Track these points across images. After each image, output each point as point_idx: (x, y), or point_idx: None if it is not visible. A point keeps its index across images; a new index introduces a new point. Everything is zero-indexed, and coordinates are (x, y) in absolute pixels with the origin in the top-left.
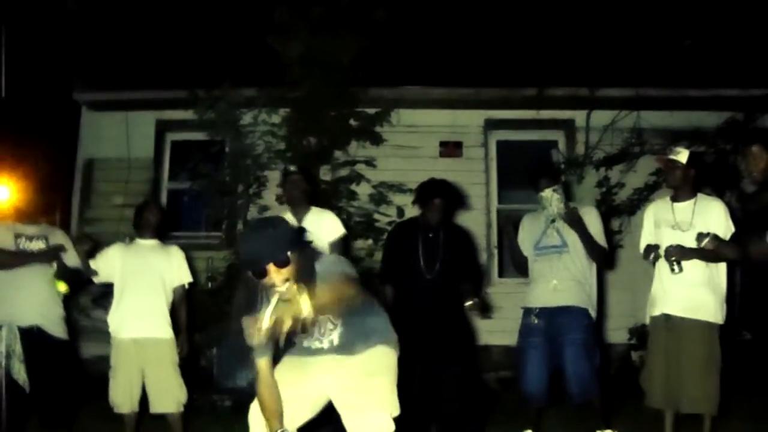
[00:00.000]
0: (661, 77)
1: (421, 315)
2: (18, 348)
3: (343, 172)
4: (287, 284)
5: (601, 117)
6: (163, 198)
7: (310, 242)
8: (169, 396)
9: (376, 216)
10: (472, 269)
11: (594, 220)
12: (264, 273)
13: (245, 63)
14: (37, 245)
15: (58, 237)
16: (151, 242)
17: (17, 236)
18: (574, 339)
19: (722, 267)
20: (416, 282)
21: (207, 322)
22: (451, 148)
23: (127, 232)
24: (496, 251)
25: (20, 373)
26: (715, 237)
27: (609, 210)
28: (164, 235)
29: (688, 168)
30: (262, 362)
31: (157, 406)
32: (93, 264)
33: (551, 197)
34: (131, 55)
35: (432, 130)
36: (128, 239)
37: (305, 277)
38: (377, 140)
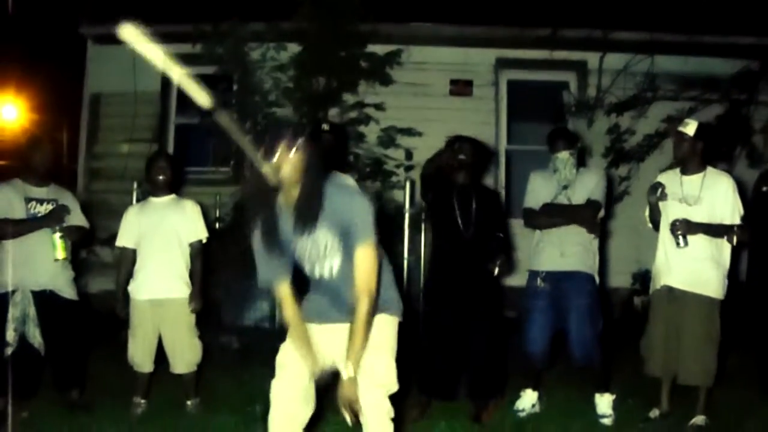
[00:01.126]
0: (676, 22)
1: (458, 273)
2: (32, 312)
3: (352, 114)
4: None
5: (615, 60)
6: (171, 133)
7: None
8: (184, 358)
9: (385, 158)
10: (502, 232)
11: (598, 184)
12: (273, 151)
13: None
14: (47, 209)
15: (67, 199)
16: (165, 199)
17: (28, 200)
18: (579, 304)
19: (726, 244)
20: (454, 241)
21: (215, 265)
22: (461, 87)
23: (134, 168)
24: (503, 191)
25: (35, 337)
26: (740, 228)
27: (618, 155)
28: (178, 186)
29: (695, 140)
30: (283, 288)
31: (173, 367)
32: (118, 239)
33: (567, 160)
34: None
35: (442, 68)
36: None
37: (313, 175)
38: (387, 81)
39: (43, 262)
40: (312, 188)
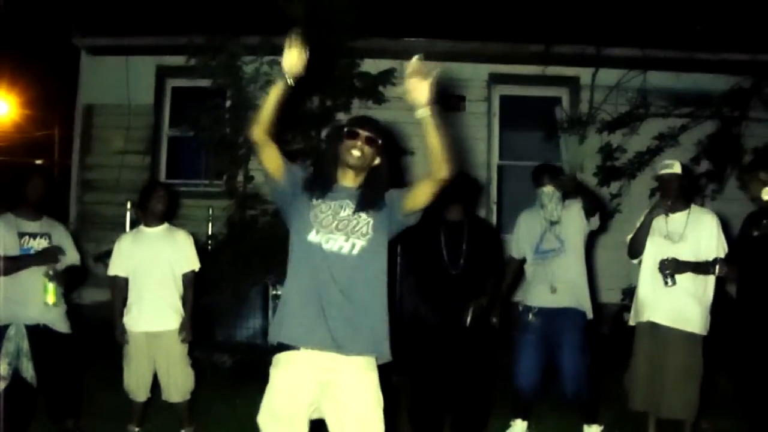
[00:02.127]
0: (668, 39)
1: (444, 311)
2: (25, 346)
3: None
4: (358, 160)
5: (607, 76)
6: (164, 145)
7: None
8: (177, 387)
9: None
10: (497, 265)
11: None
12: (356, 134)
13: (248, 11)
14: (41, 243)
15: (60, 233)
16: (158, 230)
17: (21, 235)
18: (571, 340)
19: (711, 279)
20: (440, 276)
21: (207, 283)
22: (454, 102)
23: (127, 180)
24: (495, 207)
25: (28, 370)
26: (722, 261)
27: (609, 173)
28: (172, 215)
29: (681, 179)
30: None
31: (166, 395)
32: (110, 268)
33: (552, 194)
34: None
35: (435, 83)
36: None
37: (374, 175)
38: (380, 100)
39: (36, 297)
40: (384, 175)
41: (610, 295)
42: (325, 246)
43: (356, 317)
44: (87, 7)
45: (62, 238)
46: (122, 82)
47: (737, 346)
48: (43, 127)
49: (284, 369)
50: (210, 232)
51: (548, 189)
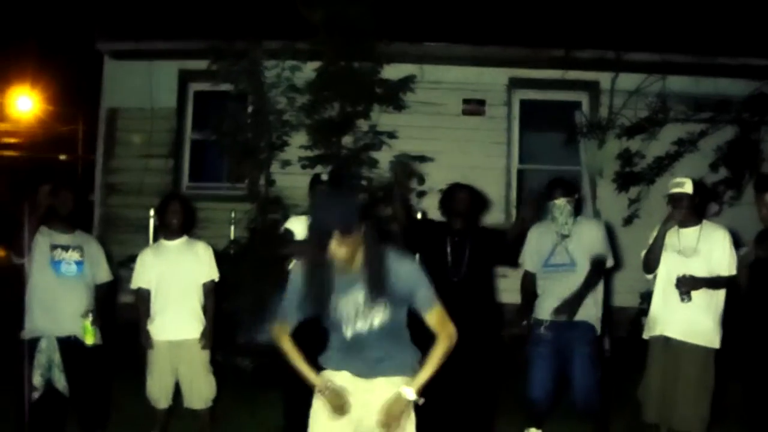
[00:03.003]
0: (688, 43)
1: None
2: (57, 357)
3: (366, 139)
4: (346, 256)
5: (627, 81)
6: (187, 148)
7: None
8: (199, 395)
9: None
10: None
11: (598, 235)
12: (327, 243)
13: (270, 16)
14: (73, 256)
15: (92, 247)
16: (178, 242)
17: (53, 247)
18: (583, 353)
19: (721, 293)
20: (442, 283)
21: (229, 291)
22: (474, 106)
23: (150, 183)
24: (515, 211)
25: (60, 381)
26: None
27: (628, 179)
28: (191, 227)
29: (694, 197)
30: (284, 329)
31: (187, 403)
32: (134, 281)
33: (564, 208)
34: (154, 4)
35: (455, 88)
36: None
37: (371, 257)
38: (400, 107)
39: (66, 310)
40: (378, 261)
41: (628, 299)
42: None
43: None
44: (110, 11)
45: (95, 252)
46: (145, 86)
47: (745, 357)
48: (67, 123)
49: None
50: (232, 236)
51: (560, 202)
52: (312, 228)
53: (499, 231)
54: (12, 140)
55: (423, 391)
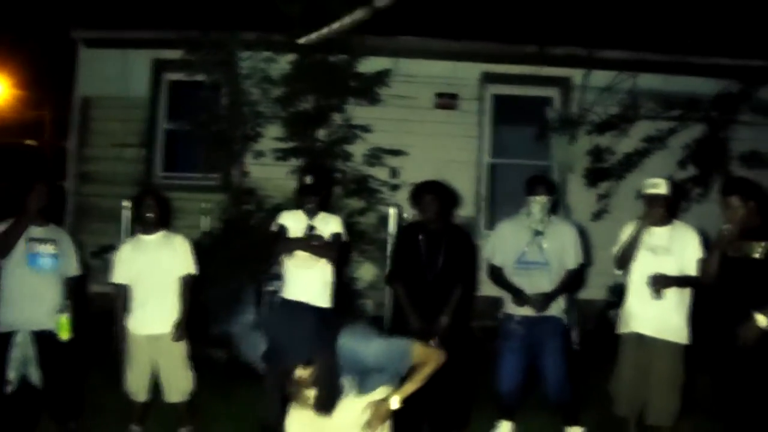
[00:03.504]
0: (660, 42)
1: (421, 315)
2: (32, 351)
3: (340, 132)
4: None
5: (599, 78)
6: (160, 138)
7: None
8: (177, 389)
9: (371, 178)
10: (467, 275)
11: (573, 239)
12: (289, 376)
13: (245, 7)
14: (48, 249)
15: (65, 241)
16: (156, 237)
17: (29, 239)
18: (554, 347)
19: (688, 290)
20: (417, 283)
21: (202, 282)
22: (447, 100)
23: (124, 172)
24: (484, 204)
25: (34, 375)
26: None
27: (598, 174)
28: (167, 221)
29: (668, 198)
30: None
31: (166, 396)
32: (114, 277)
33: (543, 206)
34: None
35: (429, 81)
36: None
37: (328, 380)
38: (375, 100)
39: (41, 304)
40: (329, 393)
41: (596, 293)
42: None
43: None
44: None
45: (67, 246)
46: (120, 75)
47: (715, 352)
48: (34, 108)
49: None
50: (205, 226)
51: (541, 199)
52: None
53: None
54: None
55: None
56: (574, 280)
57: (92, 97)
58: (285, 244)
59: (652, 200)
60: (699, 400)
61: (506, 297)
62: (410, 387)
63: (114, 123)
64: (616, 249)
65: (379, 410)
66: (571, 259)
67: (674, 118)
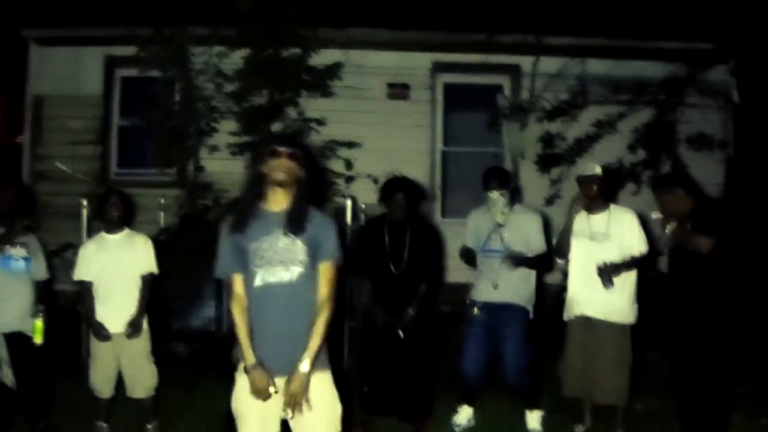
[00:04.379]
0: (607, 27)
1: (388, 306)
2: (4, 352)
3: (294, 126)
4: (285, 175)
5: (548, 64)
6: (114, 135)
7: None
8: (142, 384)
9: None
10: (433, 269)
11: (535, 227)
12: (278, 153)
13: (196, 2)
14: (20, 252)
15: (34, 244)
16: (119, 236)
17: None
18: (513, 333)
19: (633, 273)
20: (383, 277)
21: (162, 277)
22: (398, 90)
23: (78, 170)
24: (439, 192)
25: (8, 376)
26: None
27: (549, 160)
28: (129, 220)
29: (602, 180)
30: (238, 282)
31: (130, 392)
32: (77, 273)
33: (498, 200)
34: None
35: (380, 72)
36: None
37: (306, 186)
38: (328, 94)
39: (13, 306)
40: (305, 196)
41: (551, 277)
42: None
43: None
44: None
45: (35, 249)
46: (72, 73)
47: (667, 332)
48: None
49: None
50: (162, 222)
51: (494, 195)
52: (263, 141)
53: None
54: None
55: (366, 376)
56: (539, 265)
57: (45, 95)
58: None
59: (583, 182)
60: (651, 379)
61: (473, 282)
62: (314, 345)
63: (67, 120)
64: (554, 240)
65: (294, 387)
66: (535, 246)
67: (623, 102)
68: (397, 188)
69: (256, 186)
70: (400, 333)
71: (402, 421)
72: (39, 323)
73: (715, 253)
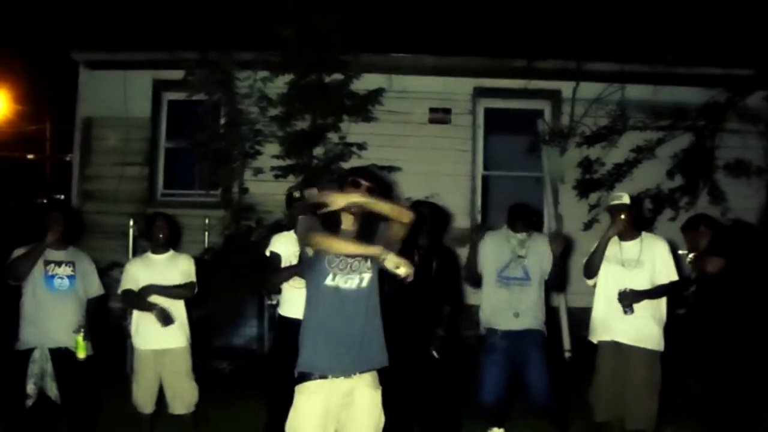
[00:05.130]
0: (647, 53)
1: (413, 330)
2: (49, 367)
3: (336, 150)
4: (357, 202)
5: (588, 90)
6: (161, 156)
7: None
8: (182, 401)
9: None
10: (455, 292)
11: (549, 253)
12: (358, 184)
13: (242, 27)
14: (66, 271)
15: (84, 262)
16: (164, 257)
17: (47, 263)
18: (536, 358)
19: (663, 300)
20: (408, 297)
21: (205, 296)
22: (440, 115)
23: (126, 190)
24: (479, 216)
25: (52, 390)
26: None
27: (588, 185)
28: (176, 242)
29: (631, 208)
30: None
31: (171, 408)
32: (122, 285)
33: (524, 240)
34: (129, 15)
35: (422, 97)
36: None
37: (368, 222)
38: (369, 119)
39: (58, 323)
40: (375, 220)
41: (588, 300)
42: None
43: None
44: (86, 22)
45: (86, 267)
46: (120, 96)
47: (697, 360)
48: (34, 122)
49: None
50: (206, 242)
51: (521, 236)
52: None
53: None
54: None
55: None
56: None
57: (94, 117)
58: (277, 275)
59: (614, 210)
60: (683, 404)
61: (488, 311)
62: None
63: (115, 142)
64: (584, 260)
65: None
66: (546, 268)
67: (662, 128)
68: (421, 204)
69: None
70: (435, 353)
71: None
72: (79, 339)
73: (727, 272)
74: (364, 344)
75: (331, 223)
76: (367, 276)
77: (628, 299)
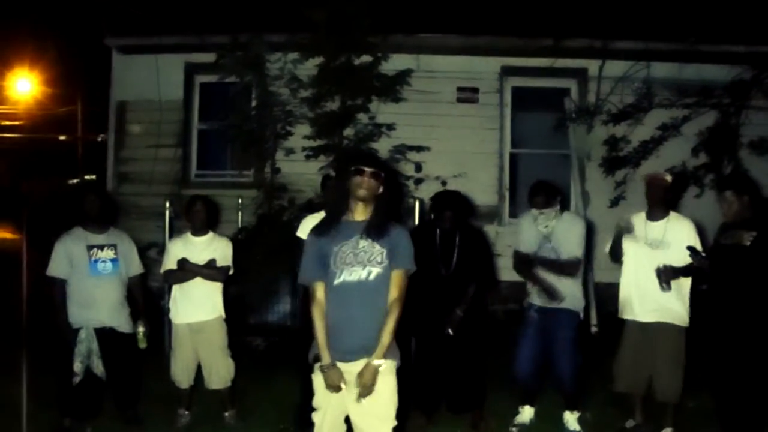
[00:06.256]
0: (672, 31)
1: (437, 308)
2: (95, 346)
3: (365, 130)
4: (366, 192)
5: (614, 68)
6: (194, 138)
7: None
8: (219, 376)
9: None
10: (484, 271)
11: (576, 234)
12: (362, 172)
13: (273, 10)
14: (108, 254)
15: (125, 243)
16: (203, 238)
17: (90, 247)
18: (563, 336)
19: (688, 278)
20: (433, 278)
21: (240, 275)
22: (467, 94)
23: (160, 172)
24: (507, 193)
25: (98, 367)
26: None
27: (614, 162)
28: (214, 224)
29: (669, 190)
30: (320, 289)
31: (208, 383)
32: (165, 265)
33: (543, 218)
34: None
35: (450, 76)
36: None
37: (387, 199)
38: (398, 99)
39: (102, 305)
40: (384, 209)
41: (615, 275)
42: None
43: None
44: (118, 7)
45: (127, 248)
46: (153, 79)
47: (712, 337)
48: (66, 104)
49: None
50: (240, 221)
51: (534, 213)
52: (359, 155)
53: (485, 238)
54: (10, 122)
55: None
56: (563, 269)
57: (127, 101)
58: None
59: (653, 186)
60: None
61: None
62: (385, 340)
63: (149, 125)
64: (607, 247)
65: (366, 378)
66: (570, 249)
67: (688, 105)
68: (445, 207)
69: (342, 198)
70: (450, 331)
71: (456, 414)
72: (142, 332)
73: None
74: (367, 332)
75: (337, 208)
76: (375, 270)
77: (668, 275)
